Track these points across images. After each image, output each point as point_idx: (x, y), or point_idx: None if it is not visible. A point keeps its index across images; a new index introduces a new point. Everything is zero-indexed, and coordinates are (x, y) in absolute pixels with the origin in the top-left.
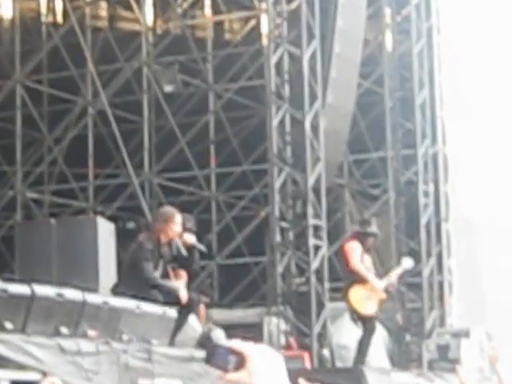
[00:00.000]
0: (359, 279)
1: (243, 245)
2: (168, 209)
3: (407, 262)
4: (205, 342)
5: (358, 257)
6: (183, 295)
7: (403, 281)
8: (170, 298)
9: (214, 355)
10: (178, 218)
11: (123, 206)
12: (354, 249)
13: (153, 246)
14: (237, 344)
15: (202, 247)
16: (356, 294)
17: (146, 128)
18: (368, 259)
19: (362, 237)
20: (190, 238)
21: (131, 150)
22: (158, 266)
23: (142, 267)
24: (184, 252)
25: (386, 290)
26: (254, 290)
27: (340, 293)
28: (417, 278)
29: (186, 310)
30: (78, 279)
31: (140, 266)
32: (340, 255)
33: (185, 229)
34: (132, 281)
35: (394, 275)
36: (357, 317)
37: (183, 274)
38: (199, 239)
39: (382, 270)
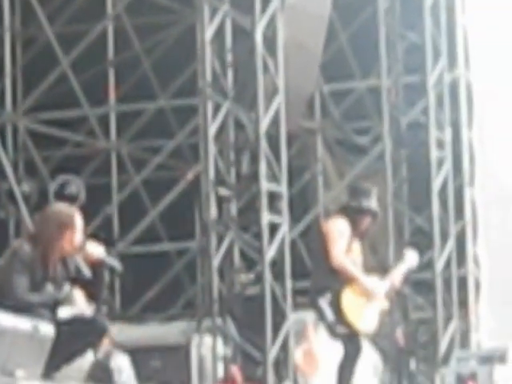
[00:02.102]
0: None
1: (160, 223)
2: (62, 208)
3: (411, 256)
4: (100, 374)
5: (344, 246)
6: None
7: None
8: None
9: None
10: (77, 221)
11: None
12: (340, 233)
13: (34, 259)
14: None
15: (114, 263)
16: (350, 299)
17: (8, 41)
18: (356, 248)
19: (353, 214)
20: (97, 251)
21: None
22: (44, 293)
23: (12, 283)
24: (87, 272)
25: (388, 297)
26: (175, 293)
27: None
28: (426, 273)
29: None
30: None
31: (10, 282)
32: (316, 239)
33: (66, 196)
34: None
35: (396, 276)
36: (345, 333)
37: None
38: (91, 214)
39: (374, 261)
